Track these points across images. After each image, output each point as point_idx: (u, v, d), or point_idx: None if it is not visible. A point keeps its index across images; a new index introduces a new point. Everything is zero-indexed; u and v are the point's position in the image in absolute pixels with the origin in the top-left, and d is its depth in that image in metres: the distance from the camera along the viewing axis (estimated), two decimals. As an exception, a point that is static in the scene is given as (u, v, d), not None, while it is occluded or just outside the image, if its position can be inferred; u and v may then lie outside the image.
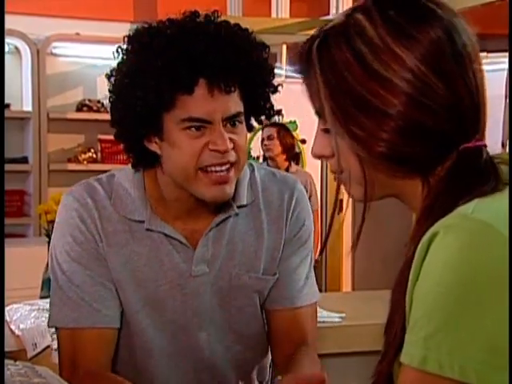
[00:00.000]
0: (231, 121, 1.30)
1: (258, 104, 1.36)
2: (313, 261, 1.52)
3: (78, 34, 4.97)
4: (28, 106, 4.90)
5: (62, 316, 1.38)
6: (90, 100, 5.09)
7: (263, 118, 1.41)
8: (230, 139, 1.29)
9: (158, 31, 1.29)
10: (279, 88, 1.37)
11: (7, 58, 4.84)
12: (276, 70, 1.37)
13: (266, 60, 1.35)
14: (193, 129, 1.28)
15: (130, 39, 1.32)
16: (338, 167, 0.98)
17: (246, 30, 1.33)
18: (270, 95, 1.37)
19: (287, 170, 4.55)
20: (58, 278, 1.39)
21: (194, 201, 1.36)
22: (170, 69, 1.24)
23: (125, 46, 1.32)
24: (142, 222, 1.38)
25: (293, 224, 1.45)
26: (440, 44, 0.91)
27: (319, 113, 0.98)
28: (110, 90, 1.34)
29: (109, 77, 1.34)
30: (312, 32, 0.98)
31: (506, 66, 3.45)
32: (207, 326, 1.43)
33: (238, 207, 1.41)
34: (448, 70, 0.91)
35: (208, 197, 1.33)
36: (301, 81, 0.99)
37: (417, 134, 0.91)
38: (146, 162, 1.38)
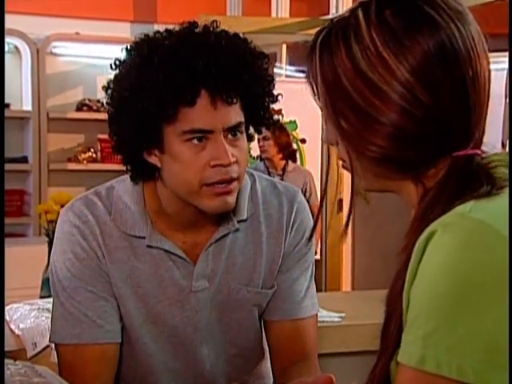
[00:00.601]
0: (232, 131, 1.29)
1: (258, 114, 1.35)
2: (314, 272, 1.50)
3: (77, 33, 4.97)
4: (28, 106, 4.90)
5: (64, 332, 1.36)
6: (89, 100, 5.10)
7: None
8: (232, 155, 1.28)
9: (157, 43, 1.27)
10: (279, 98, 1.36)
11: (7, 57, 4.84)
12: (276, 70, 1.37)
13: (267, 70, 1.34)
14: (195, 140, 1.26)
15: (129, 52, 1.30)
16: (339, 156, 0.99)
17: (246, 39, 1.32)
18: (270, 105, 1.36)
19: (284, 168, 4.54)
20: (59, 294, 1.37)
21: (195, 213, 1.34)
22: (171, 82, 1.22)
23: (123, 58, 1.30)
24: (143, 237, 1.37)
25: (292, 237, 1.44)
26: (430, 56, 0.89)
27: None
28: (107, 103, 1.32)
29: (106, 89, 1.32)
30: (311, 32, 0.99)
31: (506, 65, 3.44)
32: (207, 340, 1.42)
33: (239, 222, 1.40)
34: (436, 82, 0.89)
35: (211, 208, 1.31)
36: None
37: (407, 140, 0.91)
38: (145, 174, 1.36)
